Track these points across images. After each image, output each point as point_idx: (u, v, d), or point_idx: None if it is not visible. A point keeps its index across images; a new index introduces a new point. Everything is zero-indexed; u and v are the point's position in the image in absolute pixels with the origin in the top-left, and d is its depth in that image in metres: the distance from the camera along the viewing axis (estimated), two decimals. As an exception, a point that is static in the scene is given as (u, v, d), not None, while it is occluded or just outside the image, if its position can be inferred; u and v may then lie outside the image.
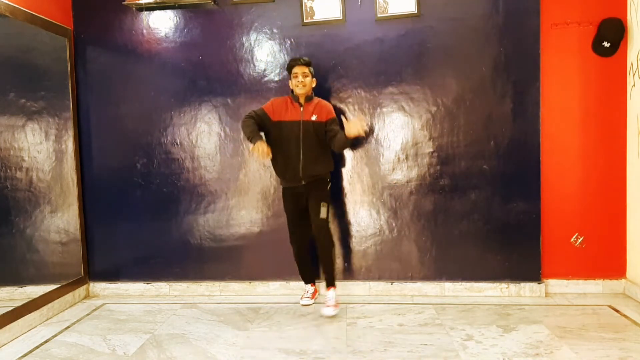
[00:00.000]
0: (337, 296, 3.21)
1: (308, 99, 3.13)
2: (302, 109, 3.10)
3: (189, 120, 3.53)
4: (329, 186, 3.21)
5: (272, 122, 3.10)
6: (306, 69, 3.09)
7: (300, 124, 3.08)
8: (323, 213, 3.11)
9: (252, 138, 2.97)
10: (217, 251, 3.57)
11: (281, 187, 3.25)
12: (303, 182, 3.11)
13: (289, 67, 3.14)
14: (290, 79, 3.13)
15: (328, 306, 3.10)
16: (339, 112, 3.35)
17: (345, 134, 2.91)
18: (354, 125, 2.85)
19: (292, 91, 3.14)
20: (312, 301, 3.28)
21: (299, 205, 3.19)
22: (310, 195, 3.14)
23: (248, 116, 3.09)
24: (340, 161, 3.43)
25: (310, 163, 3.08)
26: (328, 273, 3.21)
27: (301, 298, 3.31)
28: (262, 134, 3.04)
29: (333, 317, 3.05)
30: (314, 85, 3.16)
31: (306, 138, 3.08)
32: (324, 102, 3.19)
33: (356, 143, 3.39)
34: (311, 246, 3.28)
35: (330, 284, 3.21)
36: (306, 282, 3.35)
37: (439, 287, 3.41)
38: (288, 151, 3.09)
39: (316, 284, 3.39)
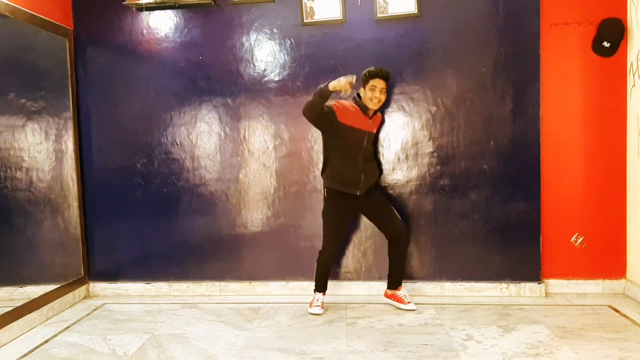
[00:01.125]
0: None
1: (375, 112, 3.10)
2: (370, 120, 3.07)
3: (189, 120, 3.53)
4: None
5: (339, 123, 2.98)
6: (385, 85, 3.01)
7: (366, 135, 3.07)
8: (397, 214, 3.19)
9: (320, 89, 2.81)
10: (217, 251, 3.57)
11: (330, 190, 3.11)
12: (359, 192, 3.08)
13: (369, 76, 2.99)
14: (364, 88, 3.02)
15: (409, 302, 3.14)
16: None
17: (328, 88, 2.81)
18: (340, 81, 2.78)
19: (359, 97, 3.05)
20: (323, 310, 3.12)
21: (349, 213, 3.20)
22: (371, 203, 3.16)
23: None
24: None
25: (369, 174, 3.11)
26: (401, 274, 3.21)
27: (310, 305, 3.13)
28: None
29: (414, 310, 3.09)
30: (383, 101, 3.07)
31: (367, 150, 3.10)
32: (380, 115, 3.26)
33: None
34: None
35: (400, 284, 3.22)
36: (319, 290, 3.18)
37: (439, 287, 3.41)
38: (350, 158, 3.05)
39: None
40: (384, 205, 3.19)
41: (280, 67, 3.43)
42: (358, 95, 3.08)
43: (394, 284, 3.21)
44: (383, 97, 3.02)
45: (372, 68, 3.02)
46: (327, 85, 2.81)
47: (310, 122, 3.01)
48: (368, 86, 3.00)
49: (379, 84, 2.98)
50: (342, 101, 3.06)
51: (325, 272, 3.19)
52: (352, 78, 2.80)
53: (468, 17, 3.28)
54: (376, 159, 3.31)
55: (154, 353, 2.61)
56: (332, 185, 3.09)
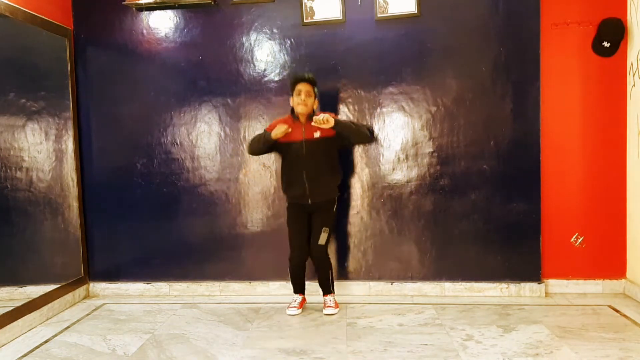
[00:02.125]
0: (336, 298, 3.21)
1: (309, 117, 3.01)
2: (303, 128, 3.02)
3: (189, 120, 3.53)
4: (334, 207, 3.18)
5: (278, 143, 3.04)
6: (310, 88, 3.01)
7: (303, 144, 3.01)
8: (322, 239, 3.07)
9: (264, 134, 3.03)
10: (217, 251, 3.57)
11: (287, 201, 3.20)
12: (309, 201, 3.08)
13: (293, 83, 3.04)
14: (292, 95, 3.04)
15: (329, 306, 3.12)
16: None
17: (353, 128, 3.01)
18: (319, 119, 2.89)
19: (292, 109, 3.07)
20: (299, 311, 3.14)
21: (303, 221, 3.14)
22: (315, 216, 3.12)
23: (255, 135, 3.14)
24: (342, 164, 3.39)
25: (316, 181, 3.04)
26: (326, 286, 3.19)
27: (288, 307, 3.16)
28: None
29: (333, 315, 3.07)
30: (315, 107, 3.08)
31: (310, 157, 3.02)
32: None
33: (358, 147, 3.38)
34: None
35: (328, 292, 3.19)
36: (296, 292, 3.22)
37: (438, 287, 3.41)
38: (292, 170, 3.07)
39: (305, 293, 3.26)
40: (318, 223, 3.09)
41: (280, 67, 3.43)
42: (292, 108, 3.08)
43: (323, 291, 3.21)
44: (310, 100, 3.00)
45: (296, 73, 3.11)
46: (269, 134, 2.98)
47: (249, 153, 3.23)
48: (294, 92, 3.02)
49: (303, 87, 2.98)
50: (278, 119, 3.14)
51: (294, 275, 3.19)
52: (285, 127, 2.95)
53: (468, 17, 3.28)
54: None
55: (154, 353, 2.61)
56: (286, 197, 3.20)
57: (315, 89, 3.05)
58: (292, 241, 3.16)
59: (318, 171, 3.05)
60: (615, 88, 3.29)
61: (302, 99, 2.98)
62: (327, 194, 3.14)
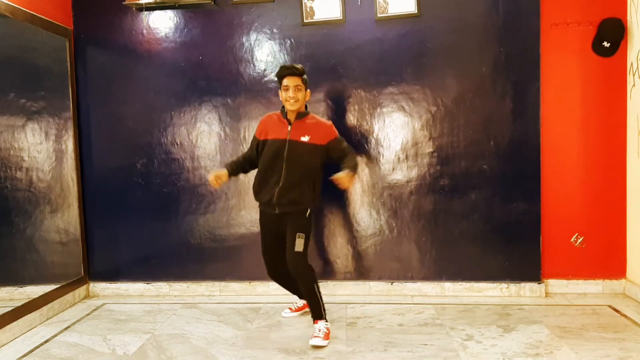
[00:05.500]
0: (327, 327, 2.72)
1: (300, 115, 2.73)
2: (290, 127, 2.72)
3: (189, 120, 3.53)
4: (308, 213, 2.76)
5: (259, 140, 2.80)
6: (299, 81, 2.68)
7: (286, 144, 2.69)
8: (298, 246, 2.68)
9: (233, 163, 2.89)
10: (217, 251, 3.57)
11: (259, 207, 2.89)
12: (276, 211, 2.73)
13: (279, 77, 2.72)
14: (280, 90, 2.74)
15: (316, 336, 2.64)
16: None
17: (350, 168, 2.65)
18: (344, 181, 2.59)
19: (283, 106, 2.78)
20: (293, 314, 3.05)
21: (272, 232, 2.85)
22: (287, 225, 2.75)
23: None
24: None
25: (287, 191, 2.69)
26: (313, 308, 2.76)
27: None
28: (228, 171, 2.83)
29: (321, 348, 2.60)
30: (308, 99, 2.78)
31: (291, 162, 2.68)
32: (323, 121, 2.83)
33: (356, 144, 3.39)
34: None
35: (317, 317, 2.74)
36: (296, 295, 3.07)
37: (439, 287, 3.41)
38: (267, 173, 2.74)
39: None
40: (292, 230, 2.72)
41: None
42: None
43: (312, 315, 2.80)
44: (300, 95, 2.68)
45: (283, 66, 2.74)
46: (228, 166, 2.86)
47: None
48: (282, 87, 2.71)
49: (291, 81, 2.67)
50: (269, 114, 2.88)
51: (282, 286, 3.04)
52: (223, 175, 2.79)
53: (468, 17, 3.28)
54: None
55: (153, 353, 2.61)
56: (257, 202, 2.88)
57: (305, 79, 2.72)
58: (264, 256, 2.92)
59: (293, 180, 2.69)
60: (615, 88, 3.29)
61: (290, 95, 2.67)
62: (296, 204, 2.73)
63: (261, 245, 2.93)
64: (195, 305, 3.37)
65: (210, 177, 2.81)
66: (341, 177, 2.59)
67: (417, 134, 3.38)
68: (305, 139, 2.70)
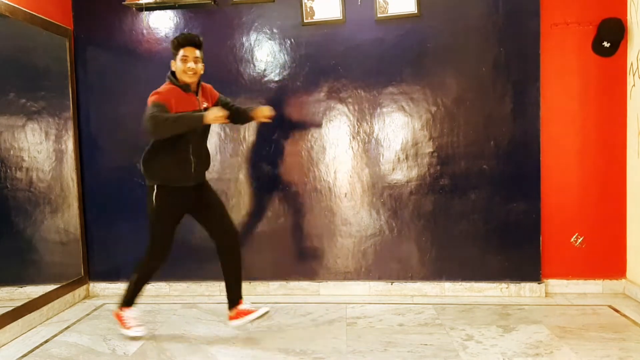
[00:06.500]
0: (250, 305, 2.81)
1: (198, 84, 2.71)
2: (198, 97, 2.68)
3: (189, 120, 3.53)
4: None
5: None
6: (198, 53, 2.63)
7: None
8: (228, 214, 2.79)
9: (192, 117, 2.56)
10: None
11: (159, 187, 2.72)
12: (193, 183, 2.72)
13: (177, 45, 2.60)
14: (175, 60, 2.62)
15: (255, 310, 2.75)
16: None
17: (250, 114, 2.80)
18: (263, 111, 2.75)
19: (172, 74, 2.64)
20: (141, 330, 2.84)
21: (181, 210, 2.77)
22: (203, 198, 2.76)
23: (156, 113, 2.52)
24: (334, 162, 3.43)
25: (202, 160, 2.75)
26: (240, 285, 2.81)
27: (125, 327, 2.80)
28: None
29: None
30: (202, 72, 2.70)
31: (201, 133, 2.72)
32: (203, 84, 2.79)
33: (356, 144, 3.39)
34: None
35: (241, 297, 2.81)
36: (129, 305, 2.84)
37: (439, 287, 3.41)
38: (180, 145, 2.63)
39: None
40: (218, 203, 2.80)
41: (280, 67, 3.43)
42: (172, 73, 2.66)
43: (235, 299, 2.79)
44: (199, 67, 2.64)
45: (180, 35, 2.66)
46: (200, 117, 2.53)
47: (153, 136, 2.66)
48: (179, 57, 2.60)
49: (191, 52, 2.59)
50: (162, 90, 2.62)
51: (147, 282, 2.87)
52: (225, 113, 2.56)
53: (468, 17, 3.28)
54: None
55: (153, 353, 2.61)
56: (161, 180, 2.71)
57: (201, 52, 2.67)
58: (163, 235, 2.76)
59: (204, 147, 2.78)
60: (615, 88, 3.29)
61: (190, 67, 2.58)
62: (206, 172, 2.85)
63: (162, 231, 2.76)
64: (195, 305, 3.36)
65: (221, 114, 2.54)
66: (259, 108, 2.78)
67: (417, 134, 3.38)
68: (205, 105, 2.73)
